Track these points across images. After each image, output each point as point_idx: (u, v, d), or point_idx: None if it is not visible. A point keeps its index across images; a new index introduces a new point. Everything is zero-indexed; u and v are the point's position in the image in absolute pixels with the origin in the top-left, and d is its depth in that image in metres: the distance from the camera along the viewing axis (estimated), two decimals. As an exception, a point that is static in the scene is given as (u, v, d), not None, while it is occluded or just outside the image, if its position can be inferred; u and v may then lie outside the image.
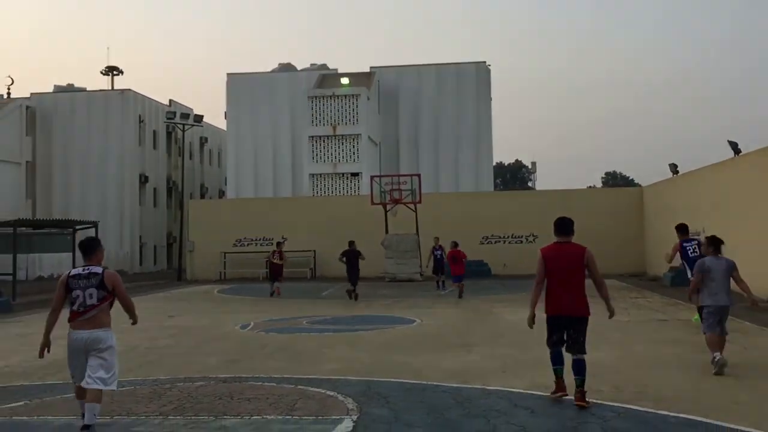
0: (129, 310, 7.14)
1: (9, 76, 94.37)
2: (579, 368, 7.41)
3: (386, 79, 44.58)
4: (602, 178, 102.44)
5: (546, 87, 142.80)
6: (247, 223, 35.06)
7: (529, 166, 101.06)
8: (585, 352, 7.50)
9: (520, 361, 10.21)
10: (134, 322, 7.30)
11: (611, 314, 7.76)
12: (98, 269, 6.95)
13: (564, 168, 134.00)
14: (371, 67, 44.80)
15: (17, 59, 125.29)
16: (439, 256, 24.12)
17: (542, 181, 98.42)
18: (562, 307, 7.47)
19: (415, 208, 29.46)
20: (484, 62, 45.09)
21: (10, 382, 9.43)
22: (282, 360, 10.76)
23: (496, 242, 34.01)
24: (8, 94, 47.14)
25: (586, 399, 7.39)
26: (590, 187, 74.21)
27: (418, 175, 30.91)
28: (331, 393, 8.21)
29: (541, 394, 8.02)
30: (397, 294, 23.53)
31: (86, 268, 6.96)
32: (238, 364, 10.45)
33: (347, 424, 6.82)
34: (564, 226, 7.70)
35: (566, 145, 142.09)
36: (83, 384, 6.63)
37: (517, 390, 8.29)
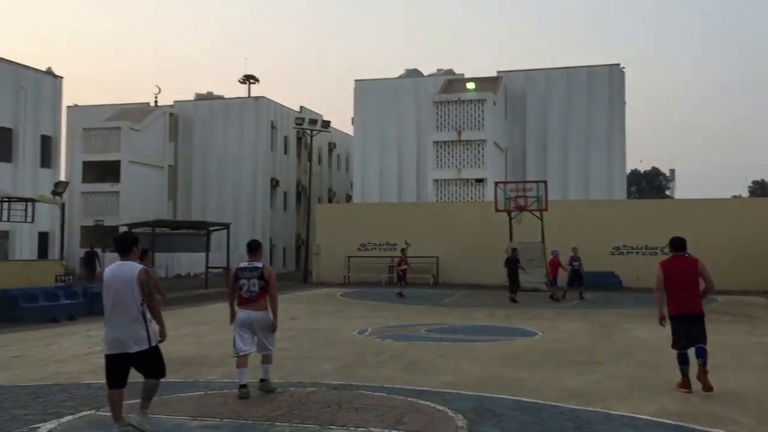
0: (273, 301, 8.71)
1: (156, 86, 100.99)
2: (701, 352, 8.80)
3: (513, 83, 43.67)
4: (749, 186, 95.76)
5: (687, 88, 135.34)
6: (371, 228, 35.34)
7: (667, 174, 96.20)
8: (706, 342, 8.90)
9: (649, 384, 9.46)
10: (274, 330, 8.78)
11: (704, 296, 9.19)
12: (259, 264, 8.75)
13: (706, 176, 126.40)
14: (498, 72, 44.03)
15: (165, 69, 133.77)
16: (576, 267, 23.56)
17: (682, 190, 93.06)
18: (683, 307, 8.99)
19: (541, 216, 28.54)
20: (618, 65, 43.18)
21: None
22: (395, 369, 10.55)
23: (628, 253, 32.36)
24: (155, 102, 50.19)
25: (709, 379, 8.66)
26: (735, 196, 69.31)
27: (545, 182, 29.94)
28: (441, 407, 7.90)
29: (671, 422, 7.34)
30: (520, 304, 22.81)
31: (250, 262, 8.75)
32: (351, 371, 10.35)
33: (454, 442, 6.49)
34: (679, 244, 9.43)
35: (709, 150, 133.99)
36: (258, 351, 8.71)
37: (644, 416, 7.63)
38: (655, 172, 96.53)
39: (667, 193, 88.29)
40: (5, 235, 27.53)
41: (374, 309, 21.16)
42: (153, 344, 6.77)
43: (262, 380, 8.74)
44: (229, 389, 8.82)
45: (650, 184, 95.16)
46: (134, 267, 6.76)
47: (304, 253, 39.43)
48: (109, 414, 7.51)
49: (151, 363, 6.77)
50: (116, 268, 6.77)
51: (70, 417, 7.34)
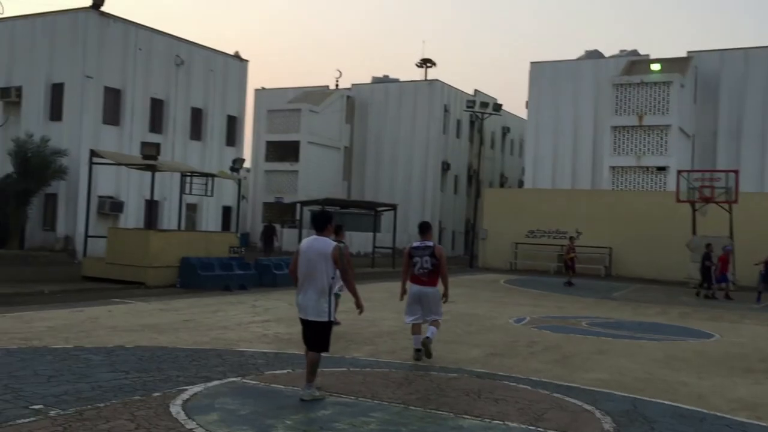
0: (444, 276, 9.61)
1: (337, 70, 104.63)
2: None
3: (705, 64, 40.24)
4: None
5: None
6: (542, 215, 34.28)
7: None
8: None
9: (840, 402, 8.24)
10: (445, 300, 9.75)
11: None
12: (430, 243, 9.63)
13: None
14: (688, 52, 40.80)
15: (344, 53, 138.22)
16: None
17: None
18: None
19: (730, 209, 26.10)
20: (833, 42, 38.38)
21: (284, 349, 10.06)
22: (546, 361, 10.03)
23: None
24: (336, 85, 51.95)
25: None
26: None
27: (736, 171, 27.33)
28: (589, 407, 7.34)
29: None
30: (699, 303, 21.07)
31: (422, 242, 9.66)
32: (498, 360, 9.98)
33: (596, 447, 5.97)
34: None
35: None
36: (427, 319, 9.61)
37: (828, 440, 6.61)
38: None
39: None
40: (193, 208, 29.74)
41: (537, 298, 20.47)
42: (329, 319, 7.17)
43: (426, 338, 9.48)
44: (372, 368, 8.79)
45: None
46: (329, 243, 7.23)
47: (472, 237, 39.10)
48: (253, 383, 7.78)
49: (318, 337, 7.14)
50: (312, 242, 7.27)
51: (217, 382, 7.64)
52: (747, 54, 39.89)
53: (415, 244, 9.72)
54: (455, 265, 34.47)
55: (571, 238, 27.20)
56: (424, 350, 9.45)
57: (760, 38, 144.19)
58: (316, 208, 29.42)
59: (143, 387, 7.26)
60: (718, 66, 40.10)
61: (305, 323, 7.21)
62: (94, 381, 7.41)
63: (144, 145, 20.50)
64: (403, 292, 9.73)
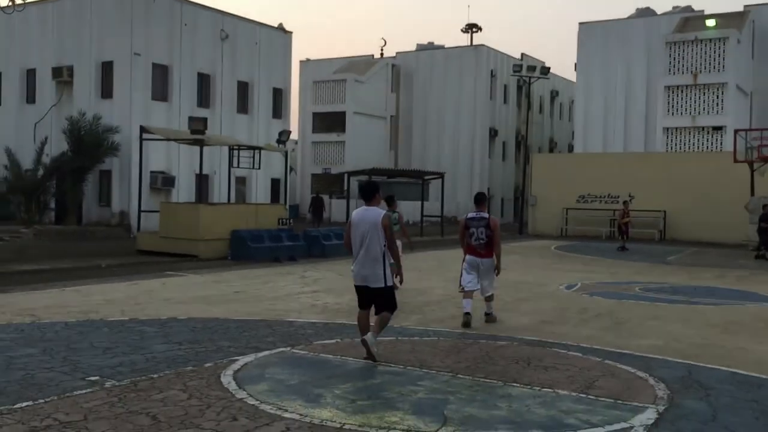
0: (497, 247, 9.79)
1: (382, 38, 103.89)
2: None
3: (763, 18, 38.54)
4: None
5: None
6: (592, 179, 33.66)
7: None
8: None
9: None
10: (498, 273, 9.94)
11: None
12: (485, 214, 9.81)
13: None
14: (745, 6, 39.14)
15: (389, 21, 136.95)
16: None
17: None
18: None
19: (791, 168, 25.17)
20: None
21: (333, 318, 10.13)
22: (598, 328, 9.88)
23: None
24: (381, 54, 51.57)
25: None
26: None
27: (797, 129, 26.29)
28: (642, 374, 7.19)
29: None
30: (758, 265, 20.45)
31: (478, 213, 9.83)
32: (549, 327, 9.86)
33: (649, 415, 5.84)
34: None
35: None
36: (481, 292, 9.89)
37: None
38: None
39: None
40: (242, 181, 30.07)
41: (588, 264, 20.17)
42: (389, 284, 7.47)
43: (486, 314, 9.99)
44: (420, 337, 8.78)
45: None
46: (378, 212, 7.48)
47: (522, 204, 38.70)
48: (302, 352, 7.86)
49: (384, 300, 7.50)
50: (363, 213, 7.49)
51: (267, 352, 7.73)
52: (809, 5, 38.11)
53: (471, 214, 9.91)
54: (505, 232, 34.05)
55: (625, 203, 26.69)
56: (488, 321, 9.90)
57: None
58: (364, 178, 29.42)
59: (195, 357, 7.39)
60: (777, 19, 38.42)
61: (364, 290, 7.53)
62: (149, 352, 7.58)
63: (191, 120, 20.75)
64: (465, 257, 9.98)
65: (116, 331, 8.70)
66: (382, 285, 7.41)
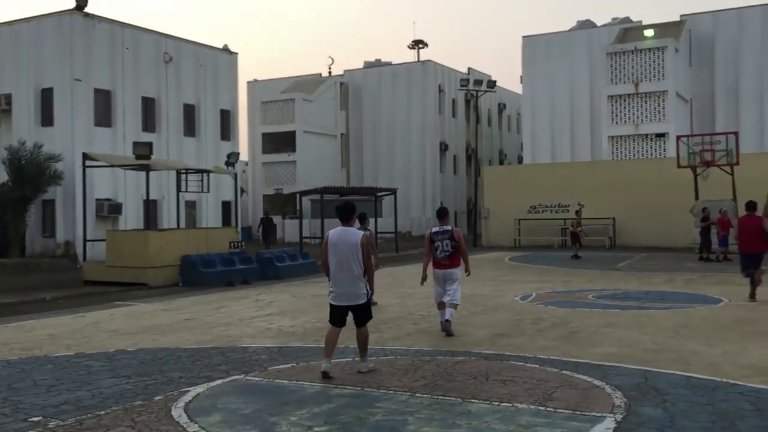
0: (465, 260, 10.34)
1: (329, 57, 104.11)
2: None
3: (699, 27, 39.83)
4: None
5: None
6: (542, 190, 34.08)
7: None
8: None
9: None
10: (468, 274, 10.38)
11: None
12: (449, 227, 10.33)
13: None
14: (681, 16, 40.38)
15: (335, 40, 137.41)
16: None
17: None
18: None
19: (732, 171, 25.87)
20: (827, -4, 37.99)
21: (288, 342, 9.94)
22: (554, 338, 9.89)
23: (839, 210, 28.64)
24: (329, 73, 51.56)
25: None
26: None
27: (735, 133, 27.08)
28: (599, 383, 7.20)
29: None
30: (705, 268, 20.90)
31: (441, 227, 10.31)
32: (506, 339, 9.84)
33: (608, 424, 5.82)
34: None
35: None
36: (445, 300, 10.16)
37: None
38: None
39: None
40: (192, 205, 29.58)
41: (542, 273, 20.34)
42: (368, 299, 7.80)
43: (446, 320, 10.14)
44: (378, 356, 8.66)
45: None
46: (357, 233, 7.73)
47: (474, 216, 38.95)
48: (256, 379, 7.67)
49: (363, 314, 7.78)
50: (340, 233, 7.69)
51: (219, 381, 7.51)
52: (740, 14, 39.50)
53: (435, 229, 10.38)
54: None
55: (577, 212, 27.12)
56: (444, 328, 10.15)
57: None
58: (316, 197, 29.23)
59: (144, 391, 7.13)
60: (711, 28, 39.72)
61: (344, 310, 7.75)
62: (95, 388, 7.29)
63: (136, 144, 20.32)
64: (425, 276, 10.45)
65: (61, 367, 8.37)
66: (364, 300, 7.70)
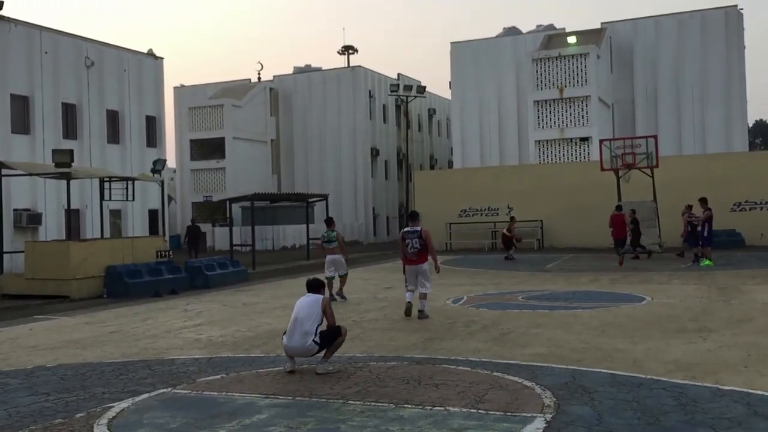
0: (431, 251, 12.06)
1: (259, 62, 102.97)
2: None
3: (619, 34, 41.22)
4: None
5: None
6: (472, 194, 34.56)
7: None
8: None
9: (768, 354, 8.47)
10: (438, 271, 12.51)
11: None
12: (418, 228, 12.10)
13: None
14: (602, 23, 41.69)
15: (264, 45, 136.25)
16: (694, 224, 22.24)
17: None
18: None
19: (652, 173, 26.81)
20: (735, 6, 39.87)
21: (217, 352, 9.72)
22: (485, 340, 9.99)
23: (751, 209, 30.14)
24: (258, 78, 50.93)
25: None
26: None
27: (654, 137, 28.07)
28: (529, 383, 7.29)
29: (793, 400, 6.43)
30: (630, 267, 21.55)
31: (412, 227, 12.18)
32: (438, 343, 9.87)
33: (538, 424, 5.89)
34: None
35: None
36: (419, 290, 12.12)
37: (760, 392, 6.74)
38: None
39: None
40: (117, 214, 28.73)
41: (473, 276, 20.57)
42: (320, 341, 8.06)
43: (420, 311, 11.99)
44: (309, 364, 8.54)
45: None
46: (318, 298, 8.27)
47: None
48: (184, 391, 7.47)
49: (328, 339, 8.12)
50: (303, 299, 8.31)
51: (145, 395, 7.27)
52: (657, 22, 41.06)
53: (406, 229, 12.26)
54: (391, 251, 34.44)
55: (512, 218, 27.87)
56: (420, 316, 11.92)
57: (670, 5, 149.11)
58: (246, 204, 28.79)
59: (65, 408, 6.83)
60: (631, 35, 41.14)
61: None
62: (12, 407, 6.94)
63: (55, 152, 19.57)
64: (405, 268, 12.28)
65: (-26, 387, 7.93)
66: (316, 349, 8.01)
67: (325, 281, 14.72)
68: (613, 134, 37.66)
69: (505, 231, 27.65)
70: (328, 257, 15.29)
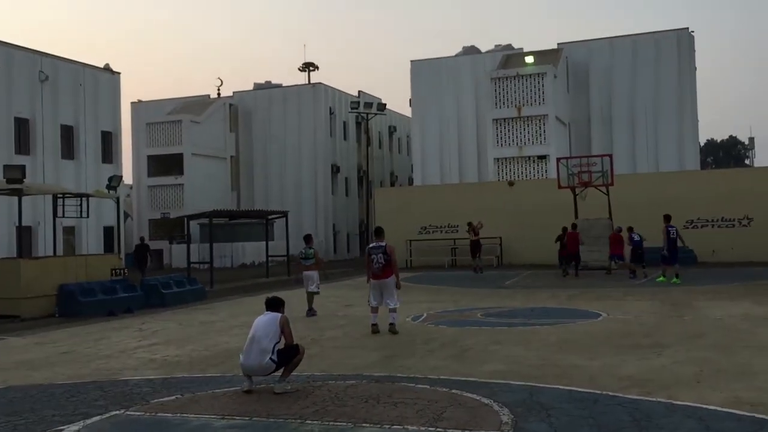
0: (395, 267, 12.40)
1: (218, 78, 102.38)
2: None
3: (575, 55, 42.04)
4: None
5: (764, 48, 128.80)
6: (432, 211, 34.71)
7: (746, 143, 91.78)
8: None
9: (720, 369, 8.63)
10: (398, 287, 12.45)
11: None
12: (383, 244, 12.40)
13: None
14: (558, 44, 42.51)
15: (224, 61, 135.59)
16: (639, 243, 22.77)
17: (763, 159, 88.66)
18: None
19: (607, 191, 27.30)
20: (687, 29, 41.03)
21: (172, 373, 9.53)
22: (444, 357, 10.00)
23: (702, 226, 30.80)
24: (218, 94, 50.56)
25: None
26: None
27: (610, 156, 28.65)
28: (487, 401, 7.30)
29: (744, 413, 6.56)
30: (586, 284, 21.84)
31: (377, 243, 12.46)
32: (397, 361, 9.84)
33: (495, 442, 5.90)
34: None
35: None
36: (385, 305, 12.30)
37: (712, 407, 6.85)
38: (732, 141, 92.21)
39: (747, 162, 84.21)
40: (71, 231, 28.15)
41: (433, 293, 20.62)
42: (278, 359, 8.00)
43: (390, 324, 12.24)
44: (267, 384, 8.44)
45: (728, 154, 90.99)
46: (276, 316, 8.23)
47: (367, 238, 39.13)
48: (137, 413, 7.31)
49: (286, 359, 8.04)
50: (260, 318, 8.30)
51: (97, 418, 7.08)
52: (612, 43, 42.01)
53: (372, 244, 12.61)
54: (350, 268, 34.37)
55: (469, 223, 28.18)
56: (390, 330, 12.13)
57: (624, 27, 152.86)
58: (204, 221, 28.43)
59: (12, 432, 6.62)
60: (586, 56, 41.98)
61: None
62: (-44, 432, 6.70)
63: (6, 168, 19.11)
64: (368, 279, 12.53)
65: None
66: (274, 367, 7.94)
67: (307, 296, 15.35)
68: (569, 152, 38.25)
69: (471, 236, 27.94)
70: (305, 273, 15.61)
